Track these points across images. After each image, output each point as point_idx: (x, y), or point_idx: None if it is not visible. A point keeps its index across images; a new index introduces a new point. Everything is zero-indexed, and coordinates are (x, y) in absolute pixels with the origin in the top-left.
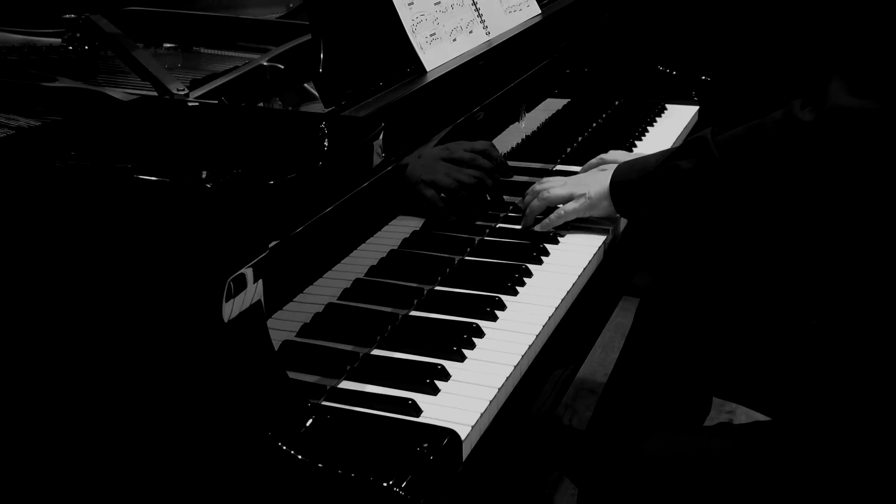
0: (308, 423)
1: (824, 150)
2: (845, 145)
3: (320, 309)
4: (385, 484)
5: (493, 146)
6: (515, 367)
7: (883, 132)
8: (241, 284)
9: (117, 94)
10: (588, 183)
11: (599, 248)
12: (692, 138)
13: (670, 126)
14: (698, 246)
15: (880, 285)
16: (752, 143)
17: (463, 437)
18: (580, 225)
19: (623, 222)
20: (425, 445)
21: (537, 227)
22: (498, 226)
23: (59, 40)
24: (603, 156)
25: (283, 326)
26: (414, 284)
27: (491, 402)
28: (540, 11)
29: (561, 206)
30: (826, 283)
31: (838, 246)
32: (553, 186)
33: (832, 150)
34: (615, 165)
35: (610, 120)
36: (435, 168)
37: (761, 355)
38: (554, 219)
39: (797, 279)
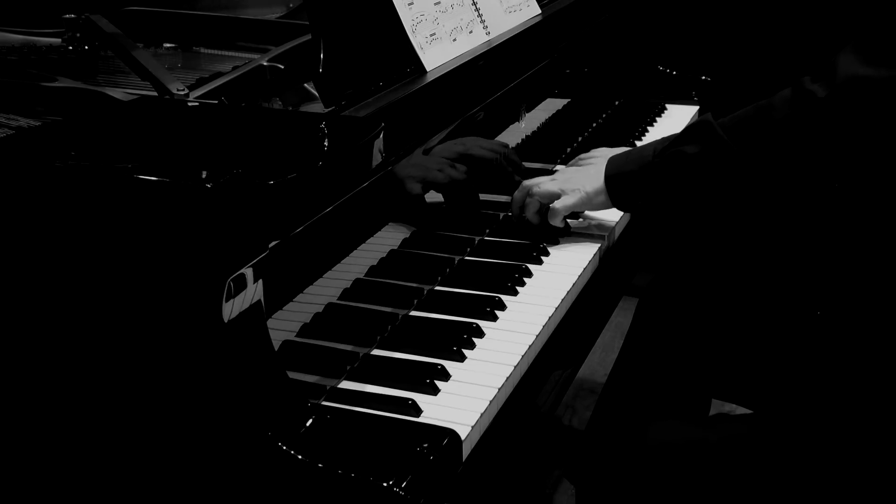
0: (308, 423)
1: (841, 123)
2: (862, 116)
3: (320, 309)
4: (385, 484)
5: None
6: (515, 367)
7: None
8: (241, 284)
9: (117, 94)
10: (579, 178)
11: (599, 248)
12: (693, 124)
13: (670, 126)
14: (698, 246)
15: (891, 275)
16: (762, 123)
17: (463, 437)
18: (580, 225)
19: (622, 223)
20: (425, 445)
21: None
22: (498, 226)
23: (59, 40)
24: (583, 154)
25: (283, 326)
26: (414, 284)
27: (491, 402)
28: (540, 11)
29: (553, 203)
30: (831, 276)
31: (846, 233)
32: (542, 182)
33: (849, 122)
34: (603, 159)
35: (610, 120)
36: (432, 164)
37: (761, 356)
38: (550, 216)
39: (798, 277)
